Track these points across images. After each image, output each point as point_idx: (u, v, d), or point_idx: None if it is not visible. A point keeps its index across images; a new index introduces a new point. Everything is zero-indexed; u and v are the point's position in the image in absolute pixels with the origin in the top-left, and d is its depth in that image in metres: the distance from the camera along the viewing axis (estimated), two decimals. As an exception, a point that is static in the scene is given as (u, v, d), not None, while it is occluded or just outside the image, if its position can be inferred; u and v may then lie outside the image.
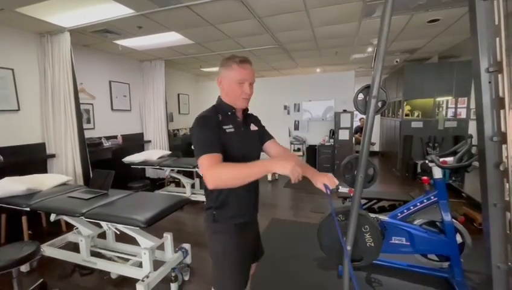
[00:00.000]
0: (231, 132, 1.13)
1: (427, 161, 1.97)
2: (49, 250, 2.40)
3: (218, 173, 0.92)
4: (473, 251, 1.97)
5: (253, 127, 1.30)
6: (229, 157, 1.07)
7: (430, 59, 5.47)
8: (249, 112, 1.30)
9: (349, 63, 5.79)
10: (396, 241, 2.01)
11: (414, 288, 2.03)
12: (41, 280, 2.14)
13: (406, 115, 5.79)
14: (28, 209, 2.16)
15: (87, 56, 3.99)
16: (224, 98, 1.18)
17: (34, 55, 3.26)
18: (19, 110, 3.09)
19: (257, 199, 1.31)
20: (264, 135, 1.37)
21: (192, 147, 1.10)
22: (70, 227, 2.81)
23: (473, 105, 6.45)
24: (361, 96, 1.61)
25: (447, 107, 5.92)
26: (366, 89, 1.56)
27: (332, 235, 1.73)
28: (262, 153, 1.37)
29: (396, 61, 5.45)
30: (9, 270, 1.72)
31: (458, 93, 5.06)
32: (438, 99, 5.42)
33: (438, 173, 1.95)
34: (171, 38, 3.66)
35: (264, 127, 1.39)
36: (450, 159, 1.88)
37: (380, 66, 1.44)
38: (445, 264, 2.07)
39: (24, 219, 2.77)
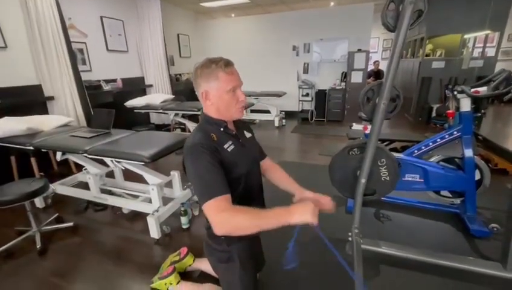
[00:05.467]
0: (233, 149, 0.99)
1: (455, 92, 1.76)
2: (60, 188, 2.45)
3: (231, 220, 0.81)
4: (487, 189, 1.91)
5: (247, 134, 1.15)
6: (236, 176, 0.98)
7: (463, -15, 4.71)
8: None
9: (368, -7, 5.07)
10: (410, 179, 1.93)
11: (423, 222, 2.04)
12: (57, 214, 2.22)
13: (427, 55, 5.28)
14: (31, 147, 2.12)
15: (72, -15, 3.53)
16: (213, 114, 1.00)
17: (10, -19, 2.86)
18: (6, 47, 2.84)
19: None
20: (259, 151, 1.25)
21: (187, 173, 0.92)
22: (79, 168, 2.84)
23: (504, 42, 5.81)
24: (392, 6, 1.33)
25: (474, 47, 5.35)
26: (400, -4, 1.28)
27: (344, 169, 1.66)
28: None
29: (424, -11, 4.72)
30: (22, 203, 1.75)
31: (492, 26, 4.46)
32: (466, 36, 4.84)
33: (466, 106, 1.76)
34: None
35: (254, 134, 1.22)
36: (483, 89, 1.67)
37: (422, -39, 1.14)
38: (457, 201, 2.04)
39: (33, 160, 2.78)
